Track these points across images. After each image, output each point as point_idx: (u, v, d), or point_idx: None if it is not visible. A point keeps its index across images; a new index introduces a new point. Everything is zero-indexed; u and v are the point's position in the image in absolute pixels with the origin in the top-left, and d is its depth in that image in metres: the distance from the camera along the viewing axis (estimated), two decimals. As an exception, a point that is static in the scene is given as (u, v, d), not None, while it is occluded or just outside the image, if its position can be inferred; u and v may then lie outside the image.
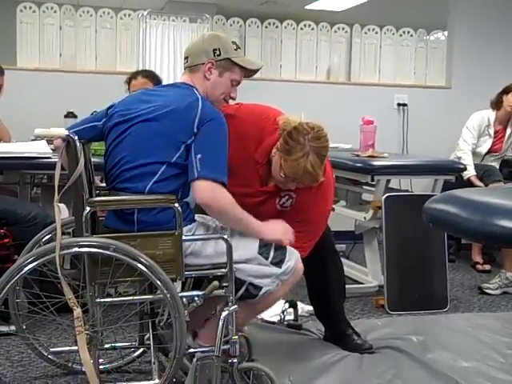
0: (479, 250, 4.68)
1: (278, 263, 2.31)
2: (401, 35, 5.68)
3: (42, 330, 3.04)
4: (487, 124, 4.72)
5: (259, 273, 2.28)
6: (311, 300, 3.02)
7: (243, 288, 2.27)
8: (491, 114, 4.74)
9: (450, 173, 3.96)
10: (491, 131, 4.74)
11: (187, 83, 2.36)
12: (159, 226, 2.18)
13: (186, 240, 2.19)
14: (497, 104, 4.72)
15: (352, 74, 5.67)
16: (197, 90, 2.33)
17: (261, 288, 2.28)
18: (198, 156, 2.17)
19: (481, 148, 4.74)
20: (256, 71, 2.45)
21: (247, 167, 2.51)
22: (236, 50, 2.39)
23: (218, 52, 2.34)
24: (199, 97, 2.28)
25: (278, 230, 2.36)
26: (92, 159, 2.48)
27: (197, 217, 2.35)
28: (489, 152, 4.77)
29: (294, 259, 2.36)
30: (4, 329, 2.96)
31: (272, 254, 2.32)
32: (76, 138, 2.20)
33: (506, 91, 4.67)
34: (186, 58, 2.41)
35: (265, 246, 2.32)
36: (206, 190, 2.16)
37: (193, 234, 2.26)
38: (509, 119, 4.77)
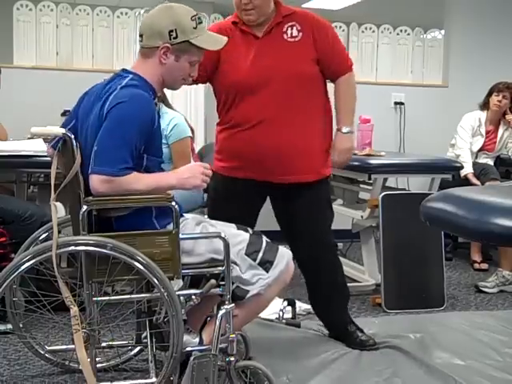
0: (478, 248, 4.69)
1: (265, 264, 2.29)
2: (398, 34, 5.67)
3: (39, 329, 3.04)
4: (479, 124, 4.85)
5: (245, 276, 2.25)
6: (312, 305, 3.06)
7: (231, 288, 2.23)
8: (482, 115, 4.89)
9: (446, 171, 3.97)
10: (483, 131, 4.86)
11: (130, 71, 2.24)
12: (137, 230, 2.17)
13: (183, 238, 2.18)
14: (484, 105, 4.90)
15: (349, 72, 5.66)
16: (135, 76, 2.21)
17: (248, 291, 2.26)
18: (95, 148, 2.10)
19: (472, 146, 4.84)
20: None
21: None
22: (195, 27, 2.21)
23: (174, 34, 2.17)
24: (123, 82, 2.17)
25: (187, 176, 2.19)
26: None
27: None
28: (481, 150, 4.88)
29: (283, 262, 2.33)
30: (1, 327, 2.96)
31: (261, 254, 2.29)
32: (73, 136, 2.20)
33: (490, 92, 4.87)
34: (140, 35, 2.24)
35: (254, 246, 2.30)
36: (98, 184, 2.06)
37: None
38: (499, 119, 4.91)
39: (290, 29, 2.70)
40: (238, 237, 2.30)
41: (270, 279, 2.29)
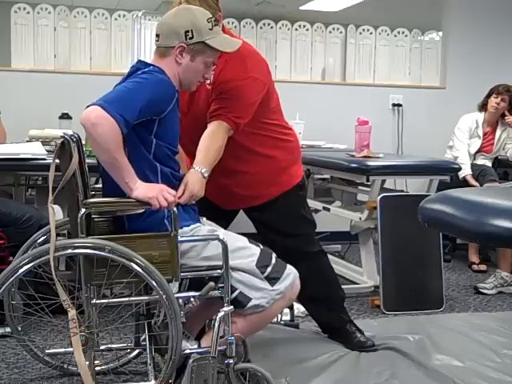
0: (476, 250, 4.70)
1: (272, 279, 2.29)
2: (395, 36, 5.69)
3: (38, 332, 3.03)
4: (476, 126, 4.87)
5: (251, 284, 2.25)
6: (305, 307, 3.04)
7: (234, 294, 2.24)
8: (479, 116, 4.90)
9: (444, 173, 3.97)
10: (480, 132, 4.87)
11: (151, 63, 2.25)
12: (149, 231, 2.17)
13: (181, 241, 2.18)
14: (483, 106, 4.91)
15: (347, 74, 5.67)
16: (155, 68, 2.21)
17: (250, 299, 2.26)
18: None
19: (470, 148, 4.85)
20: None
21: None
22: (211, 29, 2.22)
23: (190, 35, 2.19)
24: (146, 69, 2.18)
25: (151, 189, 2.11)
26: (87, 160, 2.48)
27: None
28: (478, 151, 4.89)
29: (289, 279, 2.32)
30: (-1, 331, 2.96)
31: (269, 269, 2.29)
32: (71, 138, 2.19)
33: (489, 94, 4.87)
34: (157, 35, 2.25)
35: (263, 260, 2.29)
36: (88, 112, 2.00)
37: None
38: (497, 121, 4.92)
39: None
40: (249, 250, 2.31)
41: (274, 293, 2.28)
